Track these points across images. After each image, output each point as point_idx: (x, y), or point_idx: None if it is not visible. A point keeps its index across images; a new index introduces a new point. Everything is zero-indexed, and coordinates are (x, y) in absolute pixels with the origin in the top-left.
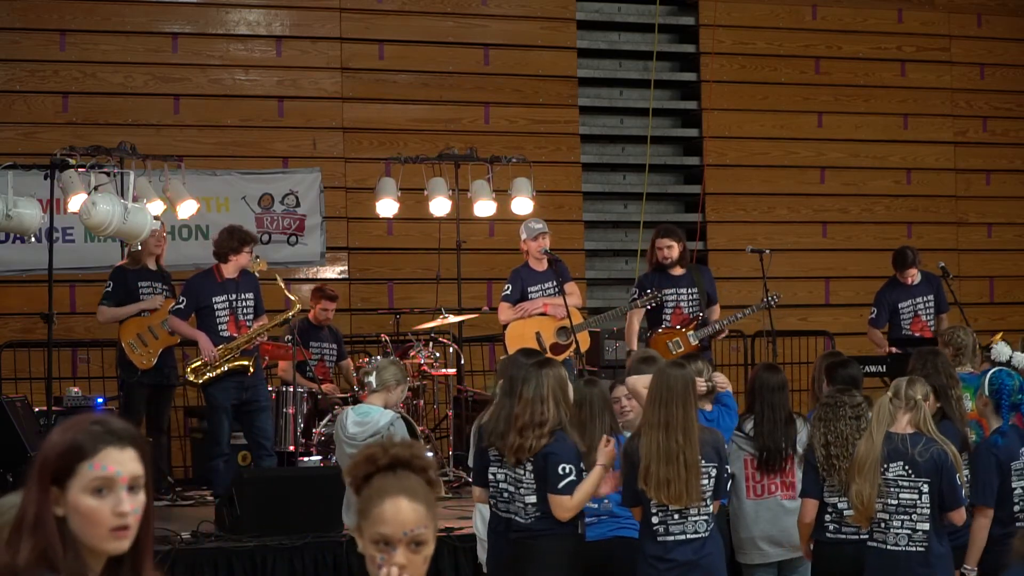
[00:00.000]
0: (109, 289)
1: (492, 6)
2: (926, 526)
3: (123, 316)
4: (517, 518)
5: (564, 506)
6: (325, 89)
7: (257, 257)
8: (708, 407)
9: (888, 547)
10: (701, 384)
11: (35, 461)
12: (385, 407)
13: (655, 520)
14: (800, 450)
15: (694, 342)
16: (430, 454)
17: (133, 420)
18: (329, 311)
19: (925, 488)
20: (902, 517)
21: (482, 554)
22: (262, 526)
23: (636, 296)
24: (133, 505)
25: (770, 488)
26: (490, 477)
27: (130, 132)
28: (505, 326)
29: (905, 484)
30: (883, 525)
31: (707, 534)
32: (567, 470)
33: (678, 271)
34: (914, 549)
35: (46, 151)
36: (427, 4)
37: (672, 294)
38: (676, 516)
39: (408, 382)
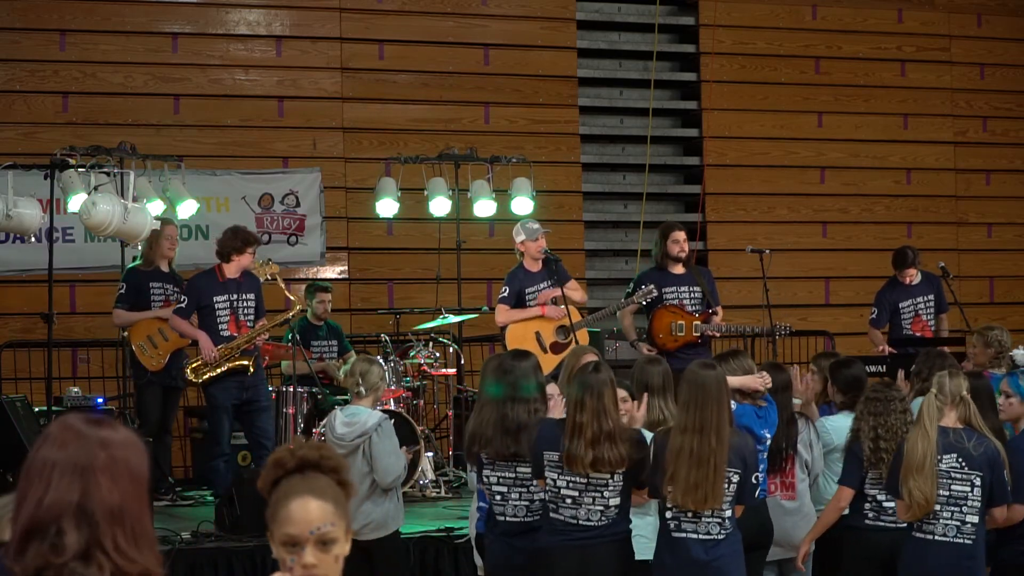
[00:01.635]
0: (123, 291)
1: (492, 6)
2: (975, 519)
3: (136, 320)
4: (585, 521)
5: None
6: (325, 89)
7: (269, 260)
8: (763, 404)
9: (936, 537)
10: (761, 382)
11: (138, 475)
12: (372, 406)
13: (668, 516)
14: (802, 450)
15: (696, 333)
16: (430, 454)
17: (148, 421)
18: (326, 303)
19: (978, 481)
20: (952, 508)
21: (478, 558)
22: (262, 526)
23: (631, 292)
24: None
25: (769, 488)
26: (484, 480)
27: (130, 132)
28: (503, 328)
29: (958, 476)
30: (932, 516)
31: (721, 536)
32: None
33: (679, 270)
34: (962, 541)
35: (46, 151)
36: (427, 4)
37: (673, 292)
38: (689, 515)
39: (385, 375)
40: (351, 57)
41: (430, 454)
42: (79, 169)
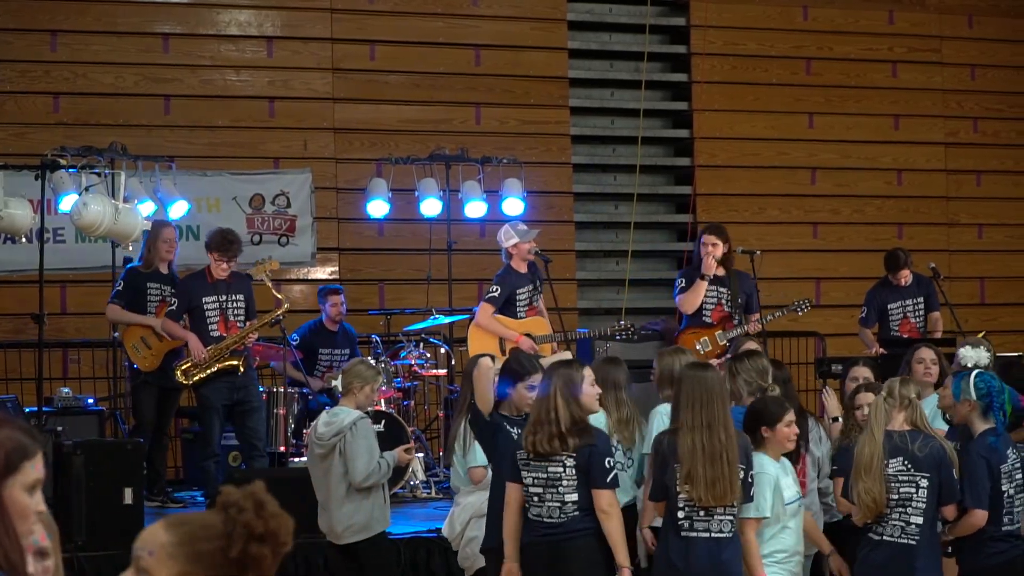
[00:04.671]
0: (120, 288)
1: (483, 7)
2: (919, 520)
3: (129, 322)
4: (548, 518)
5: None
6: (316, 90)
7: (269, 257)
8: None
9: (884, 538)
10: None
11: None
12: (357, 408)
13: (680, 515)
14: (813, 448)
15: (722, 342)
16: (420, 455)
17: (143, 421)
18: (338, 305)
19: (924, 483)
20: (899, 510)
21: (463, 561)
22: None
23: (684, 285)
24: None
25: None
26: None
27: (121, 132)
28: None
29: (904, 479)
30: (882, 518)
31: (730, 535)
32: (611, 463)
33: (720, 271)
34: (906, 541)
35: (37, 151)
36: (418, 5)
37: (713, 291)
38: (702, 513)
39: (378, 380)
40: (342, 58)
41: (421, 455)
42: (70, 170)
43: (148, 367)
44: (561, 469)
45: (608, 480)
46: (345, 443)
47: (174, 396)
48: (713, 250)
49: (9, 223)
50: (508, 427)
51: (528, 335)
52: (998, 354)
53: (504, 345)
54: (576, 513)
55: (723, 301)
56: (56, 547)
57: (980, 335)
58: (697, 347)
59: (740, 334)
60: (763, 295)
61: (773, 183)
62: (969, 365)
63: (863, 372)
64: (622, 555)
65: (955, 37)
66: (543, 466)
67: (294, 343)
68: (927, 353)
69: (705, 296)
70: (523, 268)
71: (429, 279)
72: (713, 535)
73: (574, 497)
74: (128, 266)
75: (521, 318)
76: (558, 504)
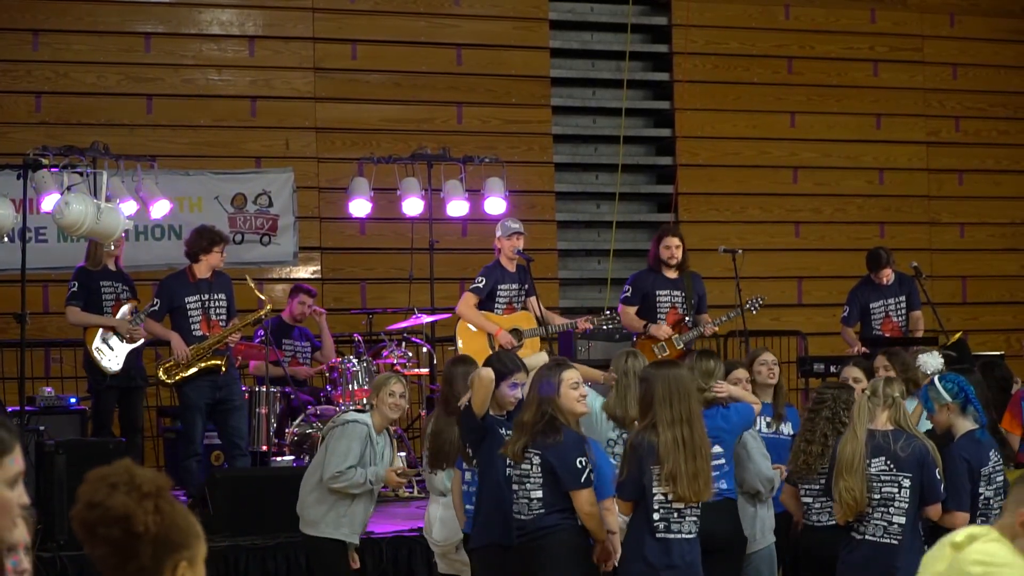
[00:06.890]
0: (75, 289)
1: (464, 6)
2: (902, 520)
3: (91, 323)
4: (518, 515)
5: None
6: (298, 89)
7: None
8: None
9: (866, 537)
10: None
11: None
12: (383, 419)
13: (656, 516)
14: None
15: (679, 347)
16: (402, 454)
17: (105, 423)
18: (306, 305)
19: (906, 483)
20: (881, 510)
21: (441, 563)
22: (234, 526)
23: (629, 294)
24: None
25: None
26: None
27: (103, 132)
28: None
29: (887, 479)
30: (864, 517)
31: (695, 535)
32: (583, 463)
33: (672, 274)
34: (888, 541)
35: (19, 151)
36: (400, 4)
37: (667, 295)
38: (676, 515)
39: (389, 383)
40: (324, 57)
41: (403, 454)
42: (52, 169)
43: (113, 371)
44: (528, 466)
45: (582, 480)
46: (331, 437)
47: (138, 394)
48: (676, 252)
49: None
50: (497, 428)
51: (516, 330)
52: (979, 353)
53: (492, 342)
54: (542, 511)
55: (677, 305)
56: (30, 545)
57: (957, 335)
58: (655, 352)
59: (695, 337)
60: (745, 294)
61: (755, 182)
62: (929, 371)
63: (854, 372)
64: (607, 539)
65: (937, 36)
66: (518, 464)
67: (260, 337)
68: (880, 361)
69: (659, 302)
70: (511, 267)
71: (411, 278)
72: (684, 536)
73: (539, 494)
74: (77, 266)
75: (499, 315)
76: (526, 501)
